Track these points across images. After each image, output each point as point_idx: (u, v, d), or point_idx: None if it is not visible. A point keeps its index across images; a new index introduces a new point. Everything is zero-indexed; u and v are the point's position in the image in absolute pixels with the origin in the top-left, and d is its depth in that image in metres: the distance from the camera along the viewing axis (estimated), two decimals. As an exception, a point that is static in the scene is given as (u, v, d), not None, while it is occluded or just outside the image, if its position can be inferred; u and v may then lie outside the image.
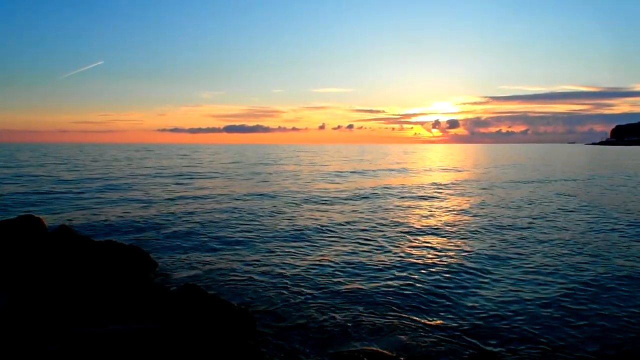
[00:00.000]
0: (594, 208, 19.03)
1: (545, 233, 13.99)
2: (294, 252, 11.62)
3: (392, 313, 7.62)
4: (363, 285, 9.07)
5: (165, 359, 5.23)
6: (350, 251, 11.79)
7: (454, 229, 14.79)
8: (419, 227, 15.08)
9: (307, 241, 12.92)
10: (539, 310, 7.74)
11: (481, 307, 7.90)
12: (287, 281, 9.26)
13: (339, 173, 40.39)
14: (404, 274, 9.84)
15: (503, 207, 19.39)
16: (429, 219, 16.87)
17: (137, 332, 5.74)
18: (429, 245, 12.55)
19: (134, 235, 13.52)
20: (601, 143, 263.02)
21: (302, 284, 9.07)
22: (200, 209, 18.79)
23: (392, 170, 46.53)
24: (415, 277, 9.62)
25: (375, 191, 25.96)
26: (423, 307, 7.93)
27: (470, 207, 19.64)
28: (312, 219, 16.59)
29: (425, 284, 9.18)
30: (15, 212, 15.87)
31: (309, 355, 6.23)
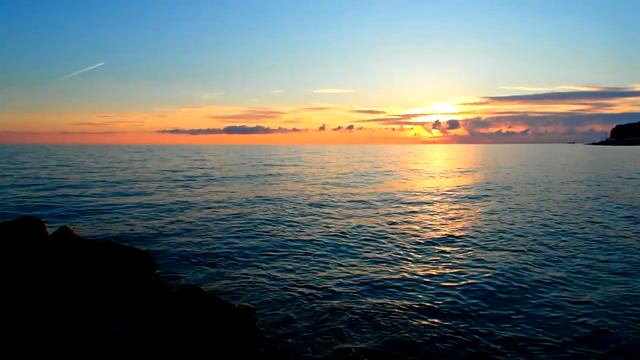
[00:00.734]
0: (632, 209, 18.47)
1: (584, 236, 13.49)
2: (295, 253, 11.62)
3: (393, 314, 7.62)
4: (364, 286, 9.07)
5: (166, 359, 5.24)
6: (354, 253, 11.79)
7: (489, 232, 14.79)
8: (444, 231, 15.09)
9: (308, 242, 12.92)
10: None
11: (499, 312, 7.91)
12: (288, 282, 9.26)
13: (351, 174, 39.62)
14: (411, 276, 9.84)
15: (544, 210, 18.72)
16: (456, 223, 16.87)
17: (137, 333, 5.76)
18: (440, 250, 12.55)
19: (134, 236, 13.52)
20: (601, 143, 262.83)
21: (302, 285, 9.07)
22: (201, 210, 18.79)
23: (412, 170, 45.52)
24: (421, 278, 9.63)
25: (400, 195, 24.51)
26: (424, 307, 7.94)
27: (504, 210, 18.76)
28: (315, 221, 16.59)
29: (430, 285, 9.19)
30: (19, 214, 15.88)
31: (309, 355, 6.23)
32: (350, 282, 9.31)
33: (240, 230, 14.48)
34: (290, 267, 10.37)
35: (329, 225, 15.38)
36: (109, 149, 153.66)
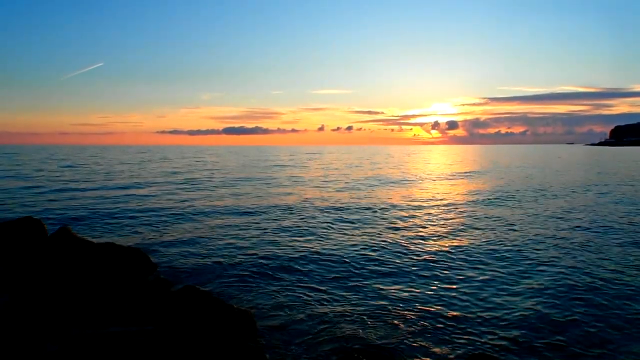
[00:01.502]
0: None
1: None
2: (296, 254, 11.63)
3: (394, 314, 7.63)
4: (366, 287, 9.08)
5: (165, 360, 5.25)
6: (357, 253, 11.80)
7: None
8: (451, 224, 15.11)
9: (309, 243, 12.92)
10: None
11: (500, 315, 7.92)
12: (289, 283, 9.26)
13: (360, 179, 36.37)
14: (413, 277, 9.86)
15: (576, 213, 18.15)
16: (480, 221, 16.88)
17: (136, 333, 5.77)
18: (443, 248, 12.57)
19: (134, 237, 13.53)
20: (600, 144, 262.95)
21: (303, 286, 9.08)
22: (202, 211, 18.79)
23: (448, 175, 42.28)
24: (423, 280, 9.65)
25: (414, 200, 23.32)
26: (426, 308, 7.96)
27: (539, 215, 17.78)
28: (319, 224, 16.60)
29: (432, 287, 9.20)
30: (24, 214, 15.87)
31: (309, 356, 6.24)
32: (354, 283, 9.31)
33: (241, 231, 14.48)
34: (291, 267, 10.37)
35: (335, 227, 15.39)
36: (110, 150, 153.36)
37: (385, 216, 17.56)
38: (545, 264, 10.57)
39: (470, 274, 9.90)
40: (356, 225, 15.53)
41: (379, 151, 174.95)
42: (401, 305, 8.06)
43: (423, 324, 7.26)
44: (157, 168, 49.19)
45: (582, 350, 6.43)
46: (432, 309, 7.87)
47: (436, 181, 35.03)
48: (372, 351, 6.33)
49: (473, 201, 22.31)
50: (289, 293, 8.67)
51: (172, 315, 6.64)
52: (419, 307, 7.99)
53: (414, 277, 9.69)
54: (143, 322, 6.41)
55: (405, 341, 6.68)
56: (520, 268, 10.30)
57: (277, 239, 13.43)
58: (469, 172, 44.55)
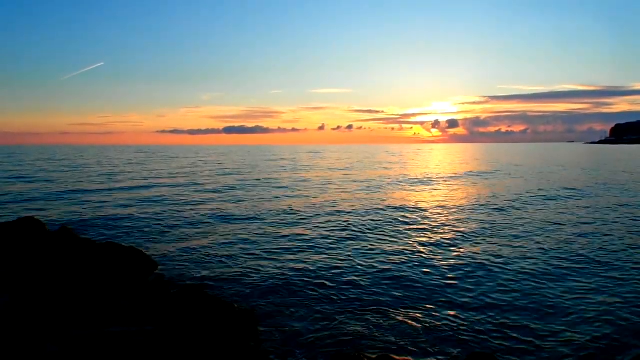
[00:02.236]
0: None
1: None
2: (296, 255, 11.62)
3: (394, 315, 7.62)
4: (367, 287, 9.06)
5: None
6: (359, 254, 11.78)
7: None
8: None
9: (309, 244, 12.91)
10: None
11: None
12: (289, 283, 9.25)
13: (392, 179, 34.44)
14: (414, 277, 9.85)
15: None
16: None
17: (136, 333, 5.75)
18: (438, 242, 12.55)
19: (135, 237, 13.53)
20: (601, 142, 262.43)
21: (303, 286, 9.06)
22: (203, 212, 18.79)
23: (477, 173, 40.64)
24: (424, 280, 9.63)
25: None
26: (427, 310, 7.94)
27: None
28: (319, 222, 16.59)
29: (434, 287, 9.19)
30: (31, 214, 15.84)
31: (310, 356, 6.23)
32: (354, 284, 9.30)
33: (242, 232, 14.47)
34: (292, 268, 10.35)
35: (334, 226, 15.37)
36: (111, 149, 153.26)
37: (434, 218, 17.50)
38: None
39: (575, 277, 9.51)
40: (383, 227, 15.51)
41: (384, 149, 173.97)
42: (403, 305, 8.05)
43: (424, 324, 7.25)
44: (164, 168, 49.16)
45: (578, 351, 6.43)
46: (437, 311, 7.86)
47: (475, 180, 33.33)
48: (373, 351, 6.31)
49: (527, 202, 20.95)
50: (290, 293, 8.66)
51: (173, 315, 6.63)
52: (423, 307, 7.98)
53: (424, 279, 9.68)
54: (143, 322, 6.39)
55: (406, 341, 6.66)
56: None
57: (279, 240, 13.41)
58: (495, 171, 42.74)
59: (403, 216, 17.29)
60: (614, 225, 15.01)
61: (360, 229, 14.72)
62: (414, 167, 53.26)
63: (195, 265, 10.52)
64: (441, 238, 13.35)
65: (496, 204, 20.14)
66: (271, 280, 9.37)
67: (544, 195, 23.12)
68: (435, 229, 14.73)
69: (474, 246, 12.27)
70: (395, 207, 19.54)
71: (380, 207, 19.65)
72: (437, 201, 21.91)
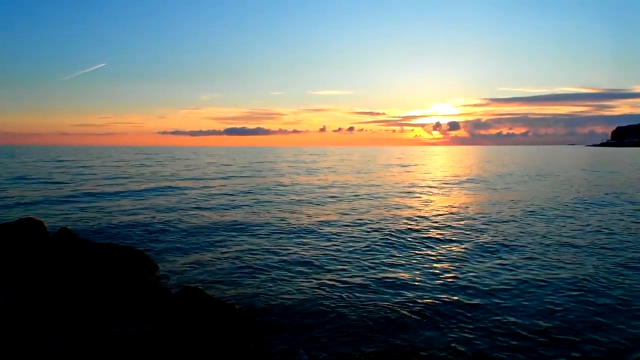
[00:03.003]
0: None
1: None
2: (297, 255, 11.61)
3: (395, 317, 7.61)
4: (367, 288, 9.05)
5: (166, 360, 5.24)
6: (359, 254, 11.77)
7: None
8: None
9: (310, 244, 12.91)
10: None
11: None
12: (289, 284, 9.25)
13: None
14: (414, 277, 9.84)
15: None
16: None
17: (136, 334, 5.75)
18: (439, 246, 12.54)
19: (135, 238, 13.53)
20: (602, 145, 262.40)
21: (303, 287, 9.06)
22: (203, 213, 18.79)
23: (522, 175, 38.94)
24: (424, 280, 9.63)
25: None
26: (428, 310, 7.93)
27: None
28: (312, 219, 16.59)
29: (435, 286, 9.18)
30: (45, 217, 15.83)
31: (312, 357, 6.22)
32: (355, 284, 9.29)
33: (242, 232, 14.48)
34: (293, 268, 10.35)
35: (332, 226, 15.37)
36: (110, 151, 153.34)
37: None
38: None
39: None
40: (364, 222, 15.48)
41: (389, 152, 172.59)
42: (406, 307, 8.04)
43: (424, 325, 7.24)
44: (175, 170, 49.20)
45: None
46: (438, 311, 7.85)
47: (510, 185, 31.12)
48: (373, 352, 6.31)
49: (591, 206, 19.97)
50: (291, 293, 8.65)
51: (173, 316, 6.63)
52: (422, 309, 7.97)
53: (423, 279, 9.67)
54: (143, 322, 6.39)
55: (406, 342, 6.66)
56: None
57: (279, 240, 13.41)
58: (529, 175, 40.52)
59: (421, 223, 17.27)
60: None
61: (366, 227, 14.72)
62: (433, 169, 51.83)
63: (195, 266, 10.51)
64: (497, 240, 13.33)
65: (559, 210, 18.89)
66: (271, 281, 9.36)
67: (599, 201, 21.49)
68: (480, 232, 14.71)
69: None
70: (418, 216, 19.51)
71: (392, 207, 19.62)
72: (487, 203, 21.88)
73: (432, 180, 35.47)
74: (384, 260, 11.05)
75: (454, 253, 11.80)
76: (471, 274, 9.91)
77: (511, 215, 17.60)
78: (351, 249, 12.23)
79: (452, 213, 18.48)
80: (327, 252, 11.89)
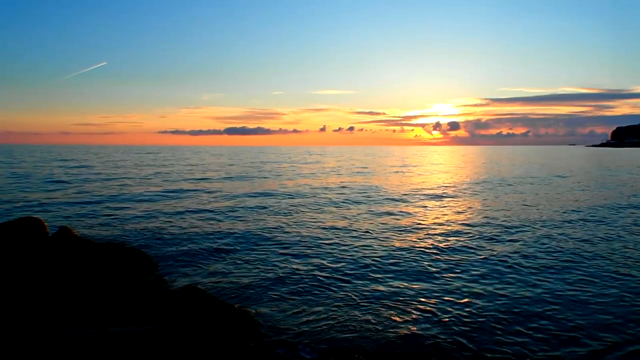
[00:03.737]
0: None
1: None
2: (297, 256, 11.60)
3: (396, 317, 7.60)
4: (368, 290, 9.04)
5: (165, 360, 5.22)
6: (360, 254, 11.76)
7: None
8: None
9: (310, 245, 12.89)
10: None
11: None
12: (290, 284, 9.23)
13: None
14: (414, 277, 9.83)
15: None
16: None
17: (137, 333, 5.74)
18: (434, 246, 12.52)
19: (135, 237, 13.51)
20: (602, 145, 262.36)
21: (305, 287, 9.05)
22: (204, 214, 18.78)
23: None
24: (424, 280, 9.61)
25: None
26: (429, 311, 7.92)
27: None
28: (315, 221, 16.57)
29: (435, 287, 9.17)
30: (48, 217, 15.82)
31: (312, 356, 6.21)
32: (356, 285, 9.28)
33: (242, 233, 14.46)
34: (292, 269, 10.33)
35: (332, 228, 15.35)
36: (113, 149, 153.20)
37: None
38: None
39: None
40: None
41: (395, 151, 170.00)
42: (407, 307, 8.02)
43: (425, 327, 7.23)
44: (178, 170, 49.17)
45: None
46: (439, 311, 7.84)
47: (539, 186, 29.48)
48: (374, 353, 6.30)
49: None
50: (291, 293, 8.64)
51: (173, 315, 6.62)
52: (423, 309, 7.95)
53: (423, 279, 9.65)
54: (143, 322, 6.38)
55: (406, 344, 6.64)
56: None
57: (280, 241, 13.39)
58: (561, 175, 38.70)
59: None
60: None
61: (366, 224, 14.71)
62: (449, 170, 49.63)
63: (195, 265, 10.51)
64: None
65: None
66: (272, 281, 9.35)
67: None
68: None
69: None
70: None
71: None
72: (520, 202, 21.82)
73: (457, 182, 33.24)
74: (388, 264, 11.03)
75: (527, 263, 10.61)
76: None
77: (566, 221, 16.03)
78: (353, 249, 12.21)
79: (501, 217, 17.05)
80: (328, 252, 11.87)
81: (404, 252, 11.78)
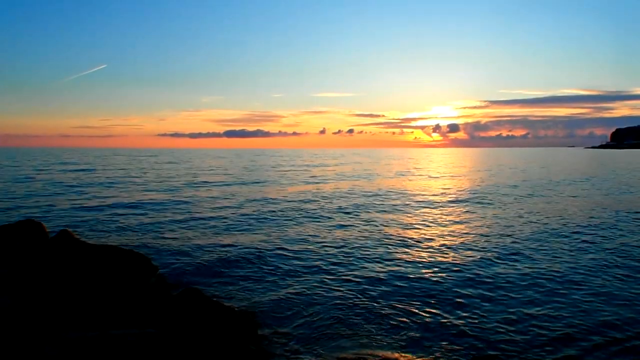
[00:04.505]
0: None
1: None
2: (298, 256, 11.57)
3: (397, 318, 7.57)
4: (368, 289, 9.01)
5: (166, 363, 5.19)
6: (360, 255, 11.73)
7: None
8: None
9: (311, 244, 12.87)
10: None
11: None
12: (290, 287, 9.21)
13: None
14: (413, 278, 9.80)
15: None
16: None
17: (137, 336, 5.70)
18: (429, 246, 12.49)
19: (135, 240, 13.48)
20: (601, 147, 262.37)
21: (305, 288, 9.02)
22: (204, 214, 18.75)
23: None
24: (423, 280, 9.59)
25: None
26: (429, 311, 7.89)
27: None
28: (317, 221, 16.55)
29: (434, 287, 9.14)
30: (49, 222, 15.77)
31: (311, 358, 6.18)
32: (356, 285, 9.25)
33: (243, 235, 14.43)
34: (294, 272, 10.31)
35: (333, 228, 15.33)
36: (118, 153, 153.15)
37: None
38: None
39: None
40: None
41: (399, 154, 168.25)
42: (409, 307, 8.00)
43: (426, 327, 7.20)
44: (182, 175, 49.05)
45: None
46: (439, 312, 7.81)
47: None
48: (374, 354, 6.27)
49: None
50: (292, 296, 8.61)
51: (173, 318, 6.59)
52: (424, 309, 7.93)
53: (421, 278, 9.62)
54: (144, 324, 6.35)
55: (407, 345, 6.61)
56: None
57: (280, 241, 13.37)
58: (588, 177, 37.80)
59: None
60: None
61: (375, 229, 14.68)
62: (463, 174, 46.72)
63: (195, 268, 10.48)
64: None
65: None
66: (272, 282, 9.33)
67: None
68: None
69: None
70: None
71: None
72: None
73: (493, 186, 31.09)
74: (389, 264, 11.01)
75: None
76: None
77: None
78: (354, 248, 12.19)
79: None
80: (329, 253, 11.84)
81: (463, 259, 11.73)
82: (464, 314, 7.69)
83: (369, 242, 13.29)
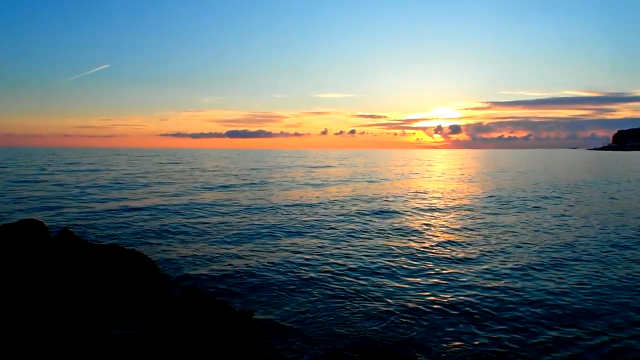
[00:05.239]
0: None
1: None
2: (297, 257, 11.53)
3: (398, 318, 7.53)
4: (368, 290, 8.97)
5: (166, 363, 5.16)
6: (360, 256, 11.69)
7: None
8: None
9: (311, 245, 12.83)
10: None
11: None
12: (290, 286, 9.18)
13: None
14: (413, 279, 9.76)
15: None
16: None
17: (138, 336, 5.68)
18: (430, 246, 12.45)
19: (136, 240, 13.46)
20: (603, 148, 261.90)
21: (305, 288, 8.98)
22: (204, 214, 18.73)
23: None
24: (423, 279, 9.55)
25: None
26: (429, 312, 7.85)
27: None
28: (319, 223, 16.52)
29: (432, 287, 9.10)
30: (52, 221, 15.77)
31: (313, 358, 6.15)
32: (356, 285, 9.21)
33: (243, 235, 14.40)
34: (292, 270, 10.28)
35: (334, 229, 15.30)
36: (113, 152, 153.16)
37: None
38: None
39: None
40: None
41: (403, 155, 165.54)
42: (409, 308, 7.95)
43: (427, 327, 7.16)
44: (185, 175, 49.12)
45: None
46: (440, 313, 7.76)
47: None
48: (375, 353, 6.23)
49: None
50: (293, 296, 8.58)
51: (174, 318, 6.56)
52: (424, 310, 7.88)
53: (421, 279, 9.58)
54: (145, 324, 6.32)
55: (408, 344, 6.57)
56: None
57: (280, 242, 13.34)
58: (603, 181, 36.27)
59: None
60: None
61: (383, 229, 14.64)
62: (474, 175, 44.48)
63: (196, 268, 10.45)
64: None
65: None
66: (273, 284, 9.29)
67: None
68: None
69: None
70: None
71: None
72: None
73: (524, 188, 29.61)
74: (389, 263, 10.97)
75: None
76: None
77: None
78: (353, 246, 12.15)
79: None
80: (330, 253, 11.81)
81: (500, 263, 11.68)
82: (475, 324, 7.64)
83: (376, 241, 13.23)
